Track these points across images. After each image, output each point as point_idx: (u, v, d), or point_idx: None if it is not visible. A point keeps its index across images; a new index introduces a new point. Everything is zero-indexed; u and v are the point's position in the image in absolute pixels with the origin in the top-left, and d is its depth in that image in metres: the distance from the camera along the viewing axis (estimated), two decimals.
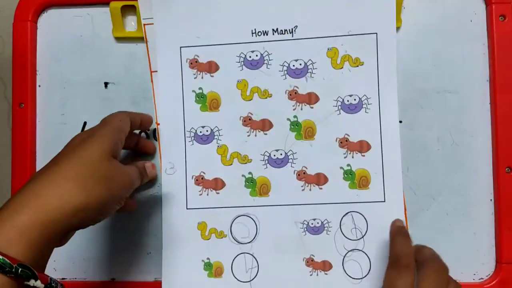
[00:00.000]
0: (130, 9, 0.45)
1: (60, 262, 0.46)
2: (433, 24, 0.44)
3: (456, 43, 0.44)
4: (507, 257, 0.42)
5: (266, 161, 0.43)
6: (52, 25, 0.47)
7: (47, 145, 0.46)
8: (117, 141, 0.35)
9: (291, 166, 0.43)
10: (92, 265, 0.46)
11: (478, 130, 0.43)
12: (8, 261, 0.26)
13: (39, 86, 0.47)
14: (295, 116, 0.43)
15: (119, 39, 0.46)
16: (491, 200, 0.43)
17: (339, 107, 0.43)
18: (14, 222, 0.27)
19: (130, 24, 0.46)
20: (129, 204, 0.43)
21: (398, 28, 0.44)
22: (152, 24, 0.44)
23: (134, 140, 0.43)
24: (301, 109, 0.43)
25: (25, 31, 0.46)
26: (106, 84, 0.46)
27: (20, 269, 0.26)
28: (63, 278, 0.46)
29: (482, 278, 0.43)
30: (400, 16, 0.44)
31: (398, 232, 0.39)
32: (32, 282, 0.27)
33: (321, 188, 0.43)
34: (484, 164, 0.43)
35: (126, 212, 0.45)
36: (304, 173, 0.43)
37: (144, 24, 0.44)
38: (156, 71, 0.44)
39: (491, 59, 0.43)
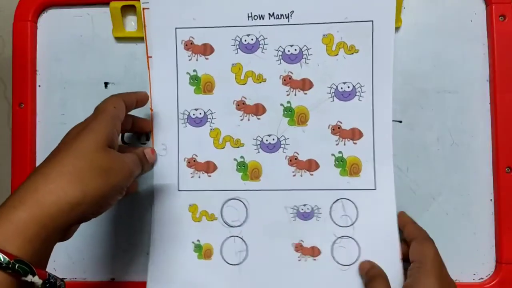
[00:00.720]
0: (130, 9, 0.45)
1: (60, 262, 0.46)
2: (433, 24, 0.44)
3: (456, 43, 0.44)
4: (507, 257, 0.42)
5: (258, 146, 0.43)
6: (52, 25, 0.47)
7: (47, 145, 0.46)
8: (113, 129, 0.34)
9: (283, 152, 0.43)
10: (92, 265, 0.46)
11: (478, 130, 0.43)
12: (5, 257, 0.26)
13: (39, 86, 0.47)
14: (288, 102, 0.43)
15: (119, 39, 0.46)
16: (491, 200, 0.43)
17: (333, 94, 0.43)
18: (12, 218, 0.27)
19: (130, 24, 0.46)
20: (130, 186, 0.42)
21: (398, 28, 0.44)
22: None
23: (130, 121, 0.42)
24: (295, 94, 0.43)
25: (25, 31, 0.46)
26: (106, 84, 0.46)
27: (17, 265, 0.26)
28: (63, 278, 0.46)
29: (482, 278, 0.43)
30: (400, 16, 0.44)
31: (411, 219, 0.42)
32: (29, 278, 0.27)
33: (312, 174, 0.43)
34: (484, 164, 0.43)
35: (125, 213, 0.45)
36: (295, 158, 0.43)
37: (143, 8, 0.44)
38: (152, 57, 0.44)
39: (491, 59, 0.43)
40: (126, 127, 0.42)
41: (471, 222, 0.43)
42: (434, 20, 0.44)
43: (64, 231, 0.30)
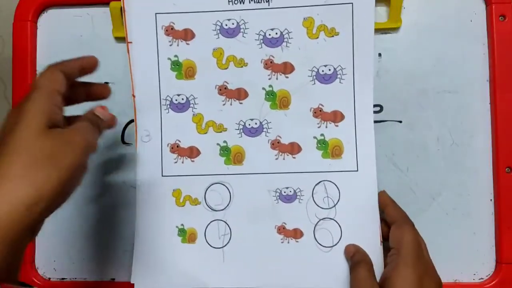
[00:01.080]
0: None
1: (60, 262, 0.46)
2: (433, 24, 0.44)
3: (456, 43, 0.44)
4: (507, 257, 0.42)
5: (241, 130, 0.43)
6: (52, 25, 0.47)
7: None
8: (51, 106, 0.30)
9: (266, 135, 0.43)
10: (92, 265, 0.46)
11: (478, 130, 0.43)
12: None
13: None
14: (270, 86, 0.43)
15: (119, 39, 0.46)
16: (491, 200, 0.43)
17: (314, 77, 0.43)
18: None
19: None
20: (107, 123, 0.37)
21: (398, 28, 0.44)
22: None
23: (82, 91, 0.37)
24: (277, 78, 0.43)
25: (25, 31, 0.46)
26: (106, 84, 0.46)
27: None
28: (63, 278, 0.46)
29: (482, 278, 0.43)
30: (400, 16, 0.44)
31: (391, 200, 0.41)
32: None
33: (294, 157, 0.43)
34: (484, 164, 0.43)
35: (125, 213, 0.45)
36: (278, 142, 0.43)
37: None
38: (132, 42, 0.44)
39: (491, 59, 0.43)
40: (78, 97, 0.37)
41: (471, 222, 0.43)
42: (434, 20, 0.44)
43: (30, 232, 0.28)
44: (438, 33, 0.44)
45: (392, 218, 0.40)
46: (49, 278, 0.46)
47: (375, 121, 0.44)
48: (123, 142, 0.46)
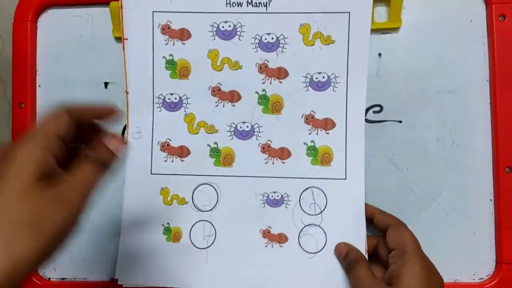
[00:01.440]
0: None
1: (60, 262, 0.46)
2: (433, 24, 0.44)
3: (456, 43, 0.44)
4: (507, 257, 0.42)
5: (232, 133, 0.44)
6: (52, 25, 0.47)
7: None
8: (45, 153, 0.27)
9: (256, 139, 0.43)
10: (92, 265, 0.46)
11: (478, 130, 0.43)
12: None
13: (39, 86, 0.47)
14: (263, 90, 0.43)
15: (119, 39, 0.46)
16: (491, 200, 0.43)
17: (308, 83, 0.43)
18: None
19: None
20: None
21: (398, 28, 0.44)
22: None
23: (92, 133, 0.31)
24: (270, 83, 0.43)
25: (25, 31, 0.46)
26: (106, 84, 0.46)
27: None
28: (63, 278, 0.46)
29: (482, 278, 0.43)
30: (400, 16, 0.44)
31: (377, 209, 0.42)
32: None
33: (283, 162, 0.43)
34: (484, 164, 0.43)
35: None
36: (268, 146, 0.43)
37: None
38: (127, 39, 0.44)
39: (491, 59, 0.43)
40: (84, 140, 0.31)
41: (471, 222, 0.43)
42: (434, 20, 0.44)
43: None
44: (438, 33, 0.44)
45: (384, 223, 0.40)
46: (49, 278, 0.46)
47: (375, 121, 0.44)
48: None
